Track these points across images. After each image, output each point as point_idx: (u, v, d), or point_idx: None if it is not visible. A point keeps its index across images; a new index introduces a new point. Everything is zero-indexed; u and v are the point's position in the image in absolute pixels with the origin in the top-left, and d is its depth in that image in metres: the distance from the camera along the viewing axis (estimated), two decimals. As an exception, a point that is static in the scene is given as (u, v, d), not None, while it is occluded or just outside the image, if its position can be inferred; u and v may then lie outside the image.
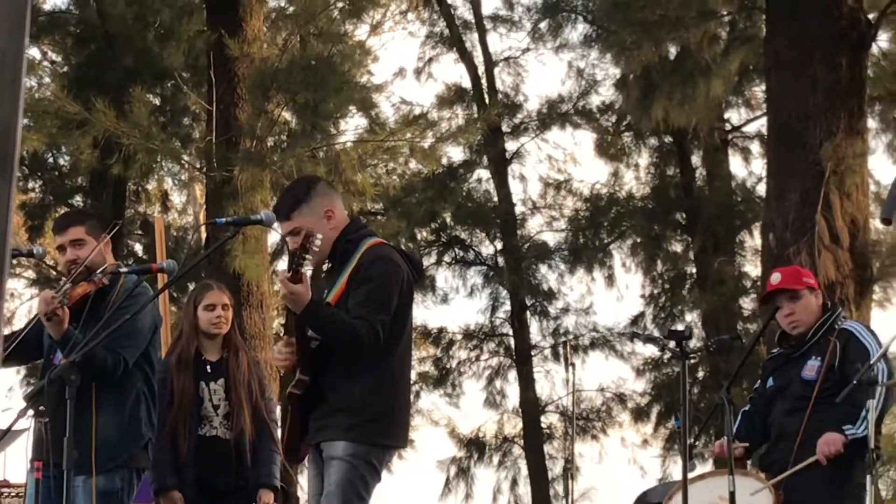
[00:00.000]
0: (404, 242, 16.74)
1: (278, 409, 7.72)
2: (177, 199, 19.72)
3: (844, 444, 6.21)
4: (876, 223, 16.12)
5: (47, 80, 16.37)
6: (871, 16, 13.76)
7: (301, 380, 5.28)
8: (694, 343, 10.40)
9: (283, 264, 19.69)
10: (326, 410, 5.25)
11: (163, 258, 9.48)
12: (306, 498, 5.89)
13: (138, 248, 17.86)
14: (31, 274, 18.35)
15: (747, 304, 17.29)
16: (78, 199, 17.27)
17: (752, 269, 17.52)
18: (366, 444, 5.22)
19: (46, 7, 16.58)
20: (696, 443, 8.24)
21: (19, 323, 14.89)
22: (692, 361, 8.72)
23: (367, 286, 5.25)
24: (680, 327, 8.14)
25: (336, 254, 5.38)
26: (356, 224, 5.69)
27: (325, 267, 5.71)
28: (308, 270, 5.26)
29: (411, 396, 5.93)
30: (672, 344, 6.68)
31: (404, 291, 5.35)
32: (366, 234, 5.57)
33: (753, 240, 17.96)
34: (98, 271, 6.07)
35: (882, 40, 15.14)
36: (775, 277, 6.91)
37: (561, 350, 18.02)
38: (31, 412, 5.19)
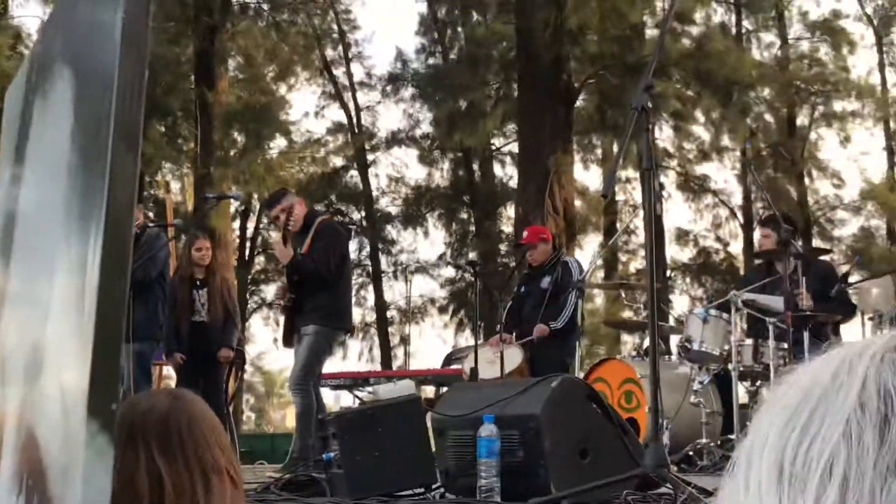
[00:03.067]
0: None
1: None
2: (174, 185, 24.25)
3: (549, 332, 7.80)
4: (577, 202, 21.39)
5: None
6: (576, 84, 18.89)
7: (290, 297, 7.20)
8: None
9: (235, 223, 24.42)
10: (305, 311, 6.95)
11: (171, 220, 11.41)
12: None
13: (151, 215, 19.68)
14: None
15: (503, 248, 23.26)
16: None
17: (507, 228, 23.16)
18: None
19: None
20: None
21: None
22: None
23: (321, 244, 7.03)
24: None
25: (305, 225, 7.12)
26: (314, 210, 7.79)
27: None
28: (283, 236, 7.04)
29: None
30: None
31: (344, 245, 7.28)
32: (318, 214, 7.51)
33: (507, 211, 23.67)
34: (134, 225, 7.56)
35: (583, 99, 20.75)
36: (525, 234, 8.37)
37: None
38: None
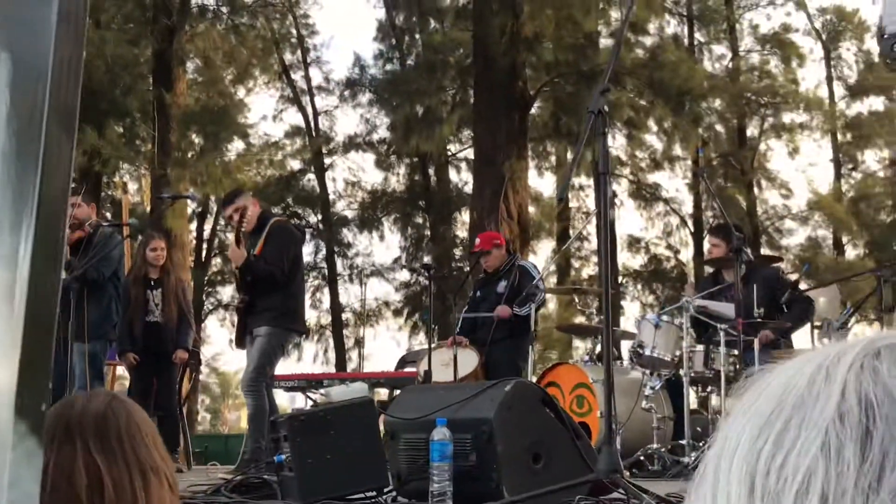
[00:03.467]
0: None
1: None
2: (131, 186, 24.54)
3: (511, 315, 7.74)
4: (531, 208, 21.60)
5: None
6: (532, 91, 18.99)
7: (243, 298, 7.14)
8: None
9: (192, 224, 24.77)
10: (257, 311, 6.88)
11: (127, 219, 10.53)
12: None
13: (108, 214, 20.45)
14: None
15: (458, 252, 23.53)
16: (72, 185, 23.25)
17: (462, 232, 23.44)
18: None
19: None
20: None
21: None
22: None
23: (274, 245, 6.99)
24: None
25: (259, 226, 7.12)
26: (267, 211, 7.68)
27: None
28: (234, 239, 6.93)
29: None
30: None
31: (298, 247, 7.17)
32: (272, 215, 7.48)
33: (462, 216, 23.72)
34: (87, 223, 7.38)
35: (538, 106, 20.72)
36: (477, 241, 8.44)
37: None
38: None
